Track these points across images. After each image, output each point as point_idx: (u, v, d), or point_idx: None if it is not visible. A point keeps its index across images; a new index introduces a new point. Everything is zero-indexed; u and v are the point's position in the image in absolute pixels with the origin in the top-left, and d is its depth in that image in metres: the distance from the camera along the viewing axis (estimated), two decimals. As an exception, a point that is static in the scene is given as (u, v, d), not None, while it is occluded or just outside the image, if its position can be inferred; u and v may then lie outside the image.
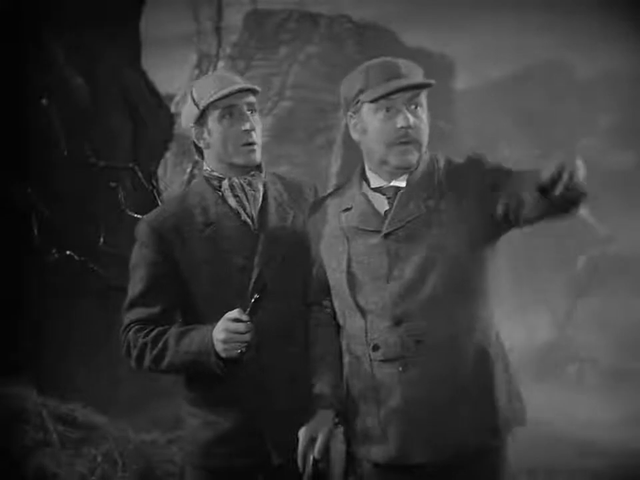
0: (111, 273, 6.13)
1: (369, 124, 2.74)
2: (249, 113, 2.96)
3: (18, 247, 8.56)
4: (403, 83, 2.71)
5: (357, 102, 2.75)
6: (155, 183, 5.04)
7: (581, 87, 39.45)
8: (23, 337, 9.36)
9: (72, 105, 10.84)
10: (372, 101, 2.71)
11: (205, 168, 3.03)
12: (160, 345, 2.85)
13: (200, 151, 3.05)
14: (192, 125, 2.99)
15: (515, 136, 38.63)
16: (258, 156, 2.95)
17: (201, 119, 2.96)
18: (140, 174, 5.20)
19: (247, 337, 2.69)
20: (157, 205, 5.53)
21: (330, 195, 2.95)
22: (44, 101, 10.16)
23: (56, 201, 10.07)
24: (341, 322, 2.83)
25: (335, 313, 2.86)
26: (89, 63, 11.21)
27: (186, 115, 3.02)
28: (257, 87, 2.99)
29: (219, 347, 2.71)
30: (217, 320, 2.75)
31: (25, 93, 10.14)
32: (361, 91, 2.73)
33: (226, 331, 2.69)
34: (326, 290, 2.86)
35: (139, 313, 2.91)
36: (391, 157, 2.73)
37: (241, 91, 2.94)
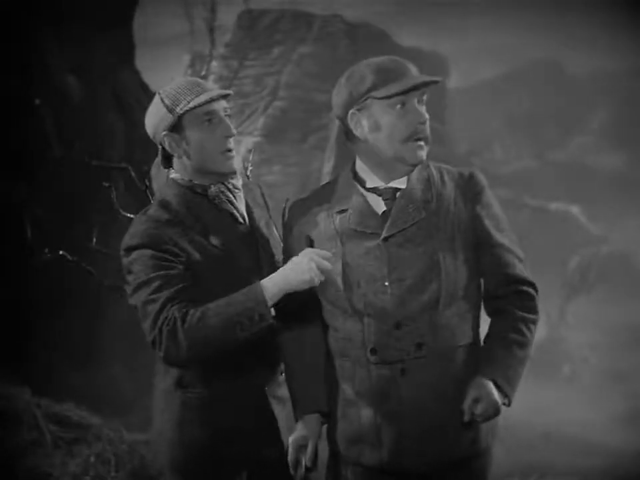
0: (103, 272, 6.12)
1: (383, 120, 2.70)
2: (227, 118, 2.88)
3: (10, 247, 8.54)
4: (419, 79, 2.69)
5: (366, 99, 2.71)
6: (148, 183, 5.01)
7: (573, 87, 39.48)
8: (16, 337, 9.35)
9: (66, 105, 10.84)
10: (388, 97, 2.68)
11: (178, 177, 2.91)
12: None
13: (168, 160, 2.95)
14: (165, 132, 2.87)
15: (507, 135, 38.65)
16: (236, 163, 2.89)
17: (177, 126, 2.86)
18: (133, 174, 5.17)
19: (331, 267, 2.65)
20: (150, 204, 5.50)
21: (311, 196, 2.89)
22: (37, 101, 10.15)
23: (49, 201, 10.07)
24: (331, 325, 2.78)
25: (321, 315, 2.81)
26: (83, 63, 11.22)
27: (155, 123, 2.89)
28: (231, 92, 2.91)
29: (305, 274, 2.63)
30: None
31: (18, 93, 10.13)
32: (372, 88, 2.69)
33: (312, 260, 2.64)
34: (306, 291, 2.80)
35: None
36: (406, 153, 2.70)
37: (219, 96, 2.87)
